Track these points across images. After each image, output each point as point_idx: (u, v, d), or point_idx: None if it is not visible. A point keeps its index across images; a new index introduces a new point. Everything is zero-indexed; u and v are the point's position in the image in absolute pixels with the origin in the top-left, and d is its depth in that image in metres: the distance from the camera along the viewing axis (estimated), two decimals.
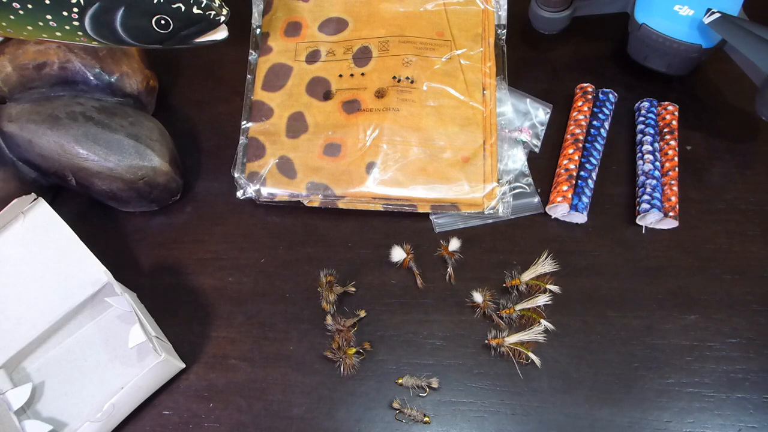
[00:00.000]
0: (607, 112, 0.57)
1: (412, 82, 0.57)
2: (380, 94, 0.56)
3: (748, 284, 0.52)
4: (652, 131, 0.56)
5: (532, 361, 0.48)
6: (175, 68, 0.63)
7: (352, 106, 0.56)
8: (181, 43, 0.46)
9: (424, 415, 0.47)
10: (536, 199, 0.55)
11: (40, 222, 0.49)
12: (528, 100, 0.59)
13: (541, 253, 0.52)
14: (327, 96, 0.57)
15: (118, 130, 0.50)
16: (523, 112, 0.59)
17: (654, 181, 0.53)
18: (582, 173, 0.54)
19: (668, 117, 0.57)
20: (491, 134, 0.56)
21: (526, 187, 0.56)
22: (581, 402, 0.48)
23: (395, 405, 0.47)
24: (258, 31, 0.61)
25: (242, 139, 0.56)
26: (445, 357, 0.49)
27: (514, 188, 0.55)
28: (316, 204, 0.54)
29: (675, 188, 0.54)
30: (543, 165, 0.57)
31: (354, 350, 0.49)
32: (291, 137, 0.56)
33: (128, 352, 0.49)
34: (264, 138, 0.56)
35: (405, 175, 0.54)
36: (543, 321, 0.49)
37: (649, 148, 0.55)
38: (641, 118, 0.57)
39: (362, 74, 0.57)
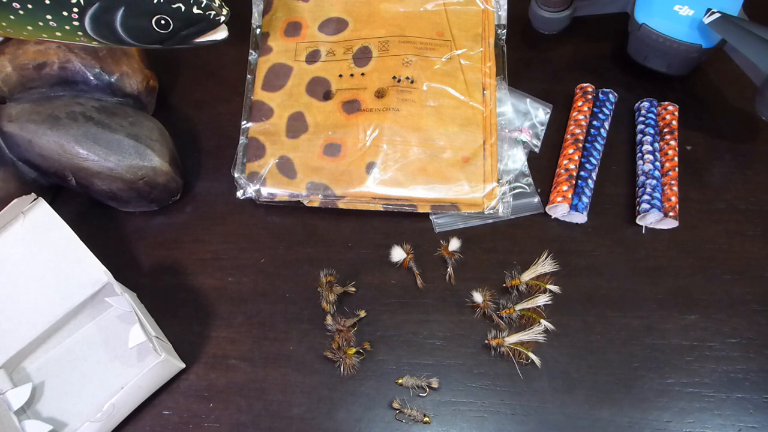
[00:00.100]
0: (607, 112, 0.57)
1: (412, 82, 0.57)
2: (380, 94, 0.56)
3: (748, 284, 0.52)
4: (652, 131, 0.56)
5: (532, 361, 0.48)
6: (175, 68, 0.63)
7: (352, 106, 0.56)
8: (181, 43, 0.46)
9: (424, 415, 0.47)
10: (536, 199, 0.55)
11: (40, 222, 0.49)
12: (528, 100, 0.59)
13: (541, 253, 0.52)
14: (327, 96, 0.57)
15: (118, 130, 0.50)
16: (523, 112, 0.59)
17: (654, 181, 0.53)
18: (582, 173, 0.54)
19: (668, 117, 0.57)
20: (491, 134, 0.56)
21: (526, 187, 0.56)
22: (581, 402, 0.48)
23: (395, 405, 0.47)
24: (258, 31, 0.61)
25: (242, 139, 0.56)
26: (445, 357, 0.49)
27: (514, 188, 0.55)
28: (316, 204, 0.54)
29: (675, 188, 0.54)
30: (543, 165, 0.57)
31: (354, 350, 0.49)
32: (291, 137, 0.56)
33: (128, 352, 0.49)
34: (264, 138, 0.56)
35: (405, 175, 0.54)
36: (543, 321, 0.49)
37: (649, 148, 0.55)
38: (641, 118, 0.57)
39: (362, 74, 0.57)
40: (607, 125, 0.57)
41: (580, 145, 0.56)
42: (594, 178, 0.55)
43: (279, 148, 0.55)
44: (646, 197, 0.53)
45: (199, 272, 0.53)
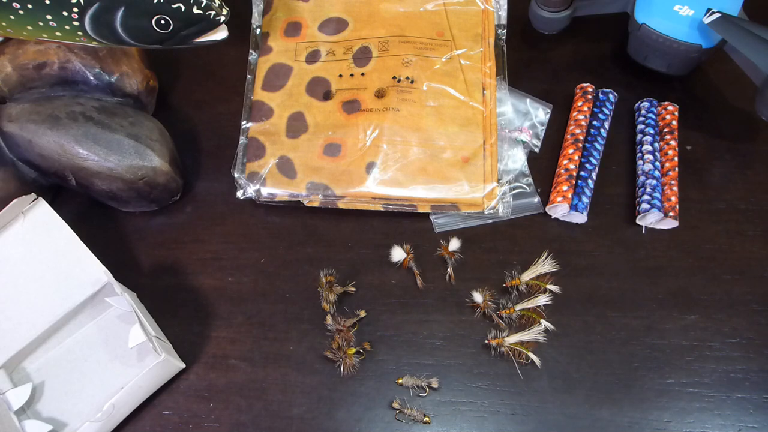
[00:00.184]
0: (607, 112, 0.57)
1: (412, 82, 0.57)
2: (380, 94, 0.56)
3: (748, 284, 0.52)
4: (652, 131, 0.56)
5: (532, 361, 0.48)
6: (175, 68, 0.63)
7: (352, 106, 0.56)
8: (181, 43, 0.46)
9: (424, 415, 0.47)
10: (536, 199, 0.55)
11: (40, 222, 0.49)
12: (528, 100, 0.59)
13: (541, 253, 0.52)
14: (327, 96, 0.57)
15: (118, 130, 0.50)
16: (523, 112, 0.59)
17: (654, 181, 0.53)
18: (582, 173, 0.54)
19: (668, 117, 0.57)
20: (491, 134, 0.56)
21: (526, 187, 0.56)
22: (581, 402, 0.48)
23: (395, 405, 0.47)
24: (258, 31, 0.61)
25: (242, 139, 0.56)
26: (445, 357, 0.49)
27: (514, 188, 0.55)
28: (316, 204, 0.54)
29: (675, 188, 0.54)
30: (543, 165, 0.57)
31: (354, 350, 0.49)
32: (291, 137, 0.56)
33: (128, 352, 0.49)
34: (264, 138, 0.56)
35: (405, 175, 0.54)
36: (543, 321, 0.49)
37: (649, 148, 0.55)
38: (641, 118, 0.57)
39: (362, 74, 0.57)
40: (607, 125, 0.57)
41: (580, 145, 0.56)
42: (594, 178, 0.55)
43: (279, 148, 0.55)
44: (646, 197, 0.53)
45: (199, 272, 0.53)
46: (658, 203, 0.52)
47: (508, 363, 0.49)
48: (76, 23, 0.43)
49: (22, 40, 0.52)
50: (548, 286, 0.50)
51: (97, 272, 0.48)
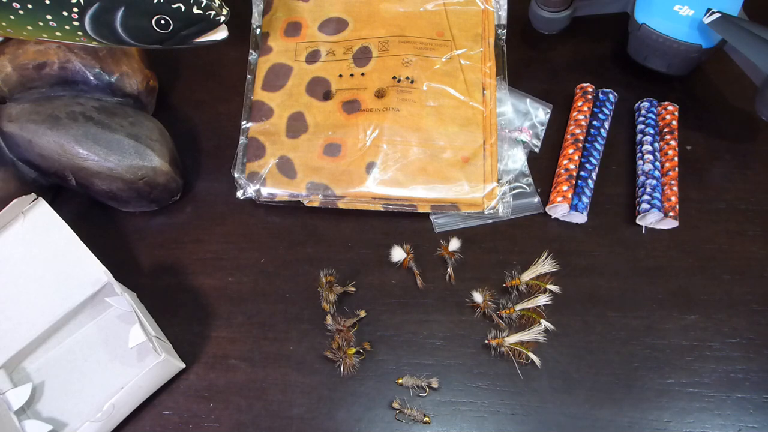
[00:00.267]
0: (607, 112, 0.57)
1: (412, 82, 0.57)
2: (380, 94, 0.56)
3: (748, 284, 0.52)
4: (652, 131, 0.56)
5: (532, 361, 0.48)
6: (175, 68, 0.63)
7: (352, 106, 0.56)
8: (181, 43, 0.46)
9: (424, 415, 0.47)
10: (536, 199, 0.55)
11: (40, 222, 0.49)
12: (528, 100, 0.59)
13: (541, 253, 0.52)
14: (327, 96, 0.57)
15: (118, 130, 0.50)
16: (523, 112, 0.59)
17: (654, 181, 0.53)
18: (582, 173, 0.54)
19: (668, 117, 0.57)
20: (491, 134, 0.56)
21: (526, 187, 0.56)
22: (581, 402, 0.48)
23: (395, 405, 0.47)
24: (258, 31, 0.61)
25: (242, 139, 0.56)
26: (445, 357, 0.49)
27: (514, 188, 0.55)
28: (316, 204, 0.54)
29: (675, 188, 0.54)
30: (543, 165, 0.57)
31: (354, 350, 0.49)
32: (291, 137, 0.56)
33: (128, 352, 0.49)
34: (264, 138, 0.56)
35: (405, 175, 0.54)
36: (543, 321, 0.49)
37: (649, 148, 0.55)
38: (641, 118, 0.57)
39: (362, 74, 0.57)
40: (607, 125, 0.57)
41: (580, 145, 0.56)
42: (594, 178, 0.55)
43: (279, 148, 0.55)
44: (646, 197, 0.53)
45: (199, 272, 0.53)
46: (658, 203, 0.52)
47: (508, 363, 0.49)
48: (76, 23, 0.43)
49: (22, 40, 0.52)
50: (548, 286, 0.50)
51: (97, 272, 0.48)
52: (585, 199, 0.53)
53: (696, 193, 0.55)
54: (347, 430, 0.47)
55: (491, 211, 0.54)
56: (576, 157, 0.55)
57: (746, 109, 0.59)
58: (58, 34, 0.44)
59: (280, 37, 0.60)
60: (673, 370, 0.48)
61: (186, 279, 0.53)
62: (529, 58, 0.63)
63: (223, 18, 0.44)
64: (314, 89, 0.57)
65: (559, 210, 0.54)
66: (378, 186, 0.53)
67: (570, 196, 0.53)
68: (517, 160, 0.56)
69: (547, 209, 0.54)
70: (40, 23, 0.43)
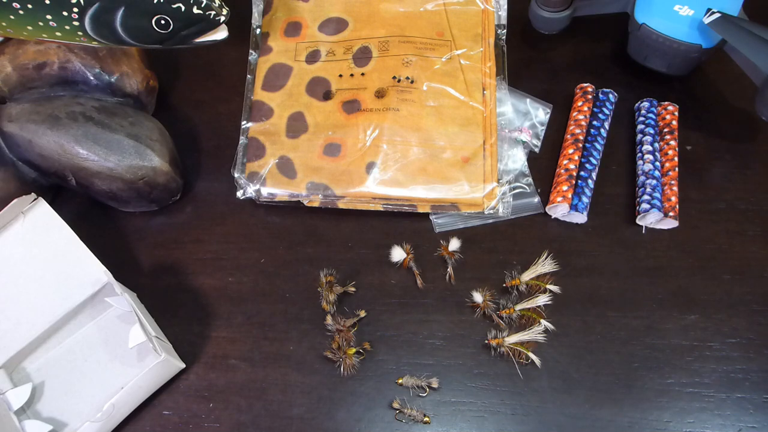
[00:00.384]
0: (607, 112, 0.57)
1: (412, 82, 0.57)
2: (380, 94, 0.56)
3: (748, 284, 0.52)
4: (652, 131, 0.56)
5: (532, 361, 0.48)
6: (175, 68, 0.63)
7: (352, 106, 0.56)
8: (181, 43, 0.46)
9: (424, 415, 0.47)
10: (536, 199, 0.55)
11: (40, 222, 0.49)
12: (528, 100, 0.59)
13: (541, 253, 0.52)
14: (327, 96, 0.57)
15: (118, 130, 0.50)
16: (523, 112, 0.59)
17: (654, 181, 0.53)
18: (582, 173, 0.54)
19: (668, 117, 0.57)
20: (491, 134, 0.56)
21: (526, 187, 0.56)
22: (581, 402, 0.48)
23: (395, 405, 0.47)
24: (258, 31, 0.61)
25: (242, 139, 0.56)
26: (445, 357, 0.49)
27: (514, 188, 0.55)
28: (316, 204, 0.54)
29: (675, 188, 0.54)
30: (543, 165, 0.57)
31: (354, 350, 0.49)
32: (291, 137, 0.56)
33: (128, 352, 0.49)
34: (264, 138, 0.56)
35: (405, 175, 0.54)
36: (543, 321, 0.49)
37: (649, 148, 0.55)
38: (641, 118, 0.57)
39: (362, 74, 0.57)
40: (607, 125, 0.57)
41: (580, 145, 0.56)
42: (594, 178, 0.55)
43: (279, 148, 0.55)
44: (646, 197, 0.53)
45: (199, 272, 0.53)
46: (658, 203, 0.52)
47: (508, 363, 0.49)
48: (76, 23, 0.43)
49: (22, 40, 0.52)
50: (548, 286, 0.50)
51: (97, 272, 0.48)
52: (585, 199, 0.53)
53: (696, 193, 0.55)
54: (347, 430, 0.47)
55: (491, 211, 0.54)
56: (576, 157, 0.55)
57: (746, 109, 0.59)
58: (58, 34, 0.44)
59: (280, 37, 0.60)
60: (673, 370, 0.48)
61: (186, 279, 0.53)
62: (529, 58, 0.63)
63: (223, 18, 0.45)
64: (314, 89, 0.57)
65: (559, 210, 0.54)
66: (378, 186, 0.53)
67: (570, 196, 0.53)
68: (517, 160, 0.56)
69: (547, 209, 0.54)
70: (40, 23, 0.43)
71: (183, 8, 0.43)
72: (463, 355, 0.49)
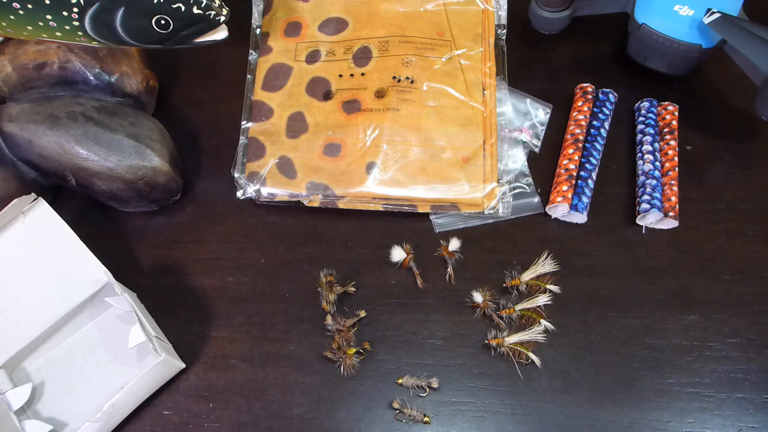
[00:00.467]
0: (607, 112, 0.57)
1: (412, 82, 0.57)
2: (380, 94, 0.56)
3: (748, 284, 0.52)
4: (652, 131, 0.56)
5: (532, 361, 0.48)
6: (175, 68, 0.63)
7: (352, 106, 0.56)
8: (181, 43, 0.46)
9: (424, 415, 0.47)
10: (536, 199, 0.55)
11: (40, 222, 0.49)
12: (528, 100, 0.59)
13: (541, 253, 0.52)
14: (327, 96, 0.57)
15: (118, 130, 0.50)
16: (523, 112, 0.59)
17: (654, 181, 0.53)
18: (582, 173, 0.54)
19: (668, 117, 0.57)
20: (491, 134, 0.56)
21: (526, 187, 0.56)
22: (581, 402, 0.48)
23: (395, 405, 0.47)
24: (258, 31, 0.61)
25: (242, 139, 0.56)
26: (445, 357, 0.49)
27: (514, 188, 0.55)
28: (316, 204, 0.54)
29: (675, 188, 0.54)
30: (543, 165, 0.57)
31: (354, 350, 0.49)
32: (291, 137, 0.56)
33: (128, 352, 0.49)
34: (264, 138, 0.56)
35: (405, 175, 0.54)
36: (543, 321, 0.49)
37: (649, 148, 0.55)
38: (641, 118, 0.57)
39: (362, 74, 0.57)
40: (607, 125, 0.57)
41: (580, 145, 0.56)
42: (594, 178, 0.55)
43: (279, 148, 0.55)
44: (646, 197, 0.53)
45: (199, 272, 0.53)
46: (658, 203, 0.52)
47: (508, 363, 0.49)
48: (76, 23, 0.43)
49: (22, 40, 0.52)
50: (548, 286, 0.50)
51: (97, 272, 0.48)
52: (585, 199, 0.53)
53: (696, 193, 0.55)
54: (347, 430, 0.47)
55: (491, 211, 0.54)
56: (576, 157, 0.55)
57: (746, 109, 0.59)
58: (58, 34, 0.44)
59: (280, 37, 0.60)
60: (673, 370, 0.48)
61: (186, 279, 0.53)
62: (529, 58, 0.63)
63: (223, 18, 0.45)
64: (314, 89, 0.57)
65: (559, 210, 0.54)
66: (378, 186, 0.53)
67: (570, 196, 0.53)
68: (517, 160, 0.56)
69: (547, 209, 0.54)
70: (40, 23, 0.43)
71: (183, 8, 0.43)
72: (463, 355, 0.49)
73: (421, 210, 0.54)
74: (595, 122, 0.57)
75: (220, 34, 0.46)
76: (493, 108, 0.57)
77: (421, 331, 0.50)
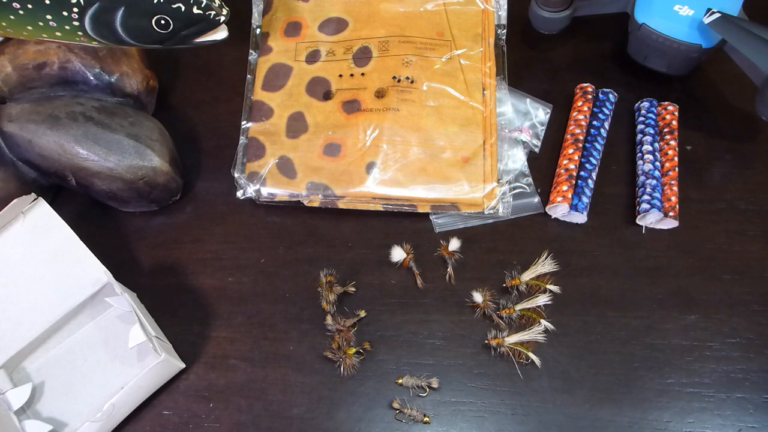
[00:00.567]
0: (607, 112, 0.57)
1: (412, 82, 0.57)
2: (380, 94, 0.56)
3: (748, 284, 0.52)
4: (652, 131, 0.56)
5: (532, 361, 0.48)
6: (175, 68, 0.63)
7: (352, 106, 0.56)
8: (181, 43, 0.46)
9: (424, 415, 0.47)
10: (536, 199, 0.55)
11: (40, 222, 0.49)
12: (528, 100, 0.59)
13: (541, 253, 0.52)
14: (327, 96, 0.57)
15: (118, 130, 0.50)
16: (523, 112, 0.59)
17: (654, 181, 0.53)
18: (582, 173, 0.54)
19: (668, 117, 0.57)
20: (491, 134, 0.56)
21: (526, 187, 0.56)
22: (581, 402, 0.48)
23: (395, 405, 0.47)
24: (258, 31, 0.61)
25: (242, 139, 0.56)
26: (445, 357, 0.49)
27: (514, 188, 0.55)
28: (316, 204, 0.54)
29: (675, 188, 0.54)
30: (543, 165, 0.57)
31: (354, 350, 0.49)
32: (291, 137, 0.56)
33: (128, 352, 0.49)
34: (264, 138, 0.56)
35: (405, 175, 0.54)
36: (543, 321, 0.49)
37: (649, 148, 0.55)
38: (641, 118, 0.57)
39: (362, 74, 0.57)
40: (607, 125, 0.57)
41: (580, 145, 0.56)
42: (594, 178, 0.55)
43: (279, 148, 0.55)
44: (646, 197, 0.53)
45: (199, 272, 0.53)
46: (658, 203, 0.52)
47: (508, 363, 0.49)
48: (76, 23, 0.43)
49: (22, 40, 0.52)
50: (548, 286, 0.50)
51: (97, 272, 0.48)
52: (585, 199, 0.53)
53: (696, 193, 0.55)
54: (347, 430, 0.47)
55: (491, 211, 0.54)
56: (576, 157, 0.55)
57: (746, 109, 0.59)
58: (58, 34, 0.44)
59: (280, 37, 0.60)
60: (673, 370, 0.48)
61: (186, 279, 0.53)
62: (529, 58, 0.63)
63: (223, 18, 0.45)
64: (314, 89, 0.57)
65: (559, 210, 0.54)
66: (378, 186, 0.53)
67: (570, 196, 0.53)
68: (517, 160, 0.56)
69: (547, 209, 0.54)
70: (40, 23, 0.43)
71: (183, 8, 0.43)
72: (463, 355, 0.49)
73: (421, 210, 0.54)
74: (595, 122, 0.57)
75: (220, 34, 0.46)
76: (493, 108, 0.57)
77: (421, 331, 0.50)
